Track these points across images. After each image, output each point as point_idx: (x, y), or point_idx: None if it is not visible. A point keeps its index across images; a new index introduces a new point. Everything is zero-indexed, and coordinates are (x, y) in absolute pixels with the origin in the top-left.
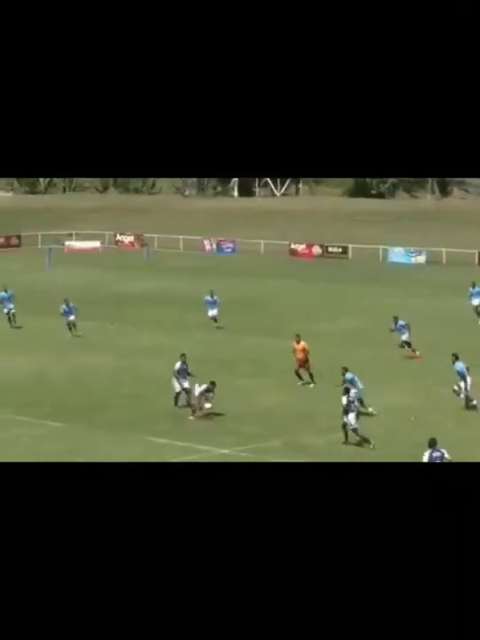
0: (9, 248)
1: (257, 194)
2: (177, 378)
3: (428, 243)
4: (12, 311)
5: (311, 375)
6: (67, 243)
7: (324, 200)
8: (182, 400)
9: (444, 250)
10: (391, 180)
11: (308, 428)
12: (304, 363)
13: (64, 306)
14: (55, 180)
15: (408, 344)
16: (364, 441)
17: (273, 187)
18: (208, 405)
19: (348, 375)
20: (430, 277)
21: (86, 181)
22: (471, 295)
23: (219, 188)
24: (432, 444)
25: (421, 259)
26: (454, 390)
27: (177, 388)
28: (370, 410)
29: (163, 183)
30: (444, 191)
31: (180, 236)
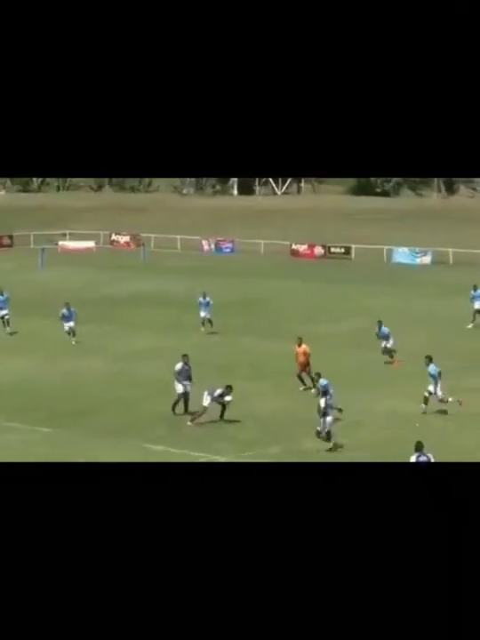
0: (1, 248)
1: (257, 192)
2: (178, 379)
3: (434, 242)
4: (7, 317)
5: (312, 379)
6: (60, 243)
7: (327, 199)
8: (180, 408)
9: (450, 250)
10: (396, 178)
11: (307, 433)
12: (305, 366)
13: (64, 310)
14: (49, 178)
15: (391, 352)
16: (336, 445)
17: (274, 185)
18: (228, 398)
19: (323, 381)
20: (436, 278)
21: (81, 180)
22: (472, 298)
23: (218, 187)
24: (419, 447)
25: (427, 259)
26: (425, 396)
27: (180, 389)
28: (339, 406)
29: (160, 181)
30: (451, 189)
31: (178, 236)
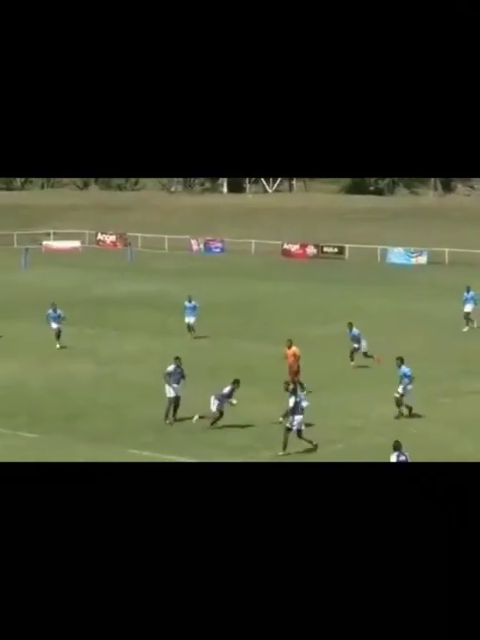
0: None
1: (248, 190)
2: (168, 382)
3: (430, 242)
4: None
5: (301, 385)
6: (44, 242)
7: (319, 197)
8: (170, 417)
9: (446, 249)
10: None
11: (299, 439)
12: (296, 373)
13: (51, 311)
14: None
15: (366, 354)
16: (309, 443)
17: (265, 183)
18: (234, 401)
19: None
20: (432, 279)
21: (66, 178)
22: (465, 300)
23: (207, 185)
24: (397, 447)
25: (422, 259)
26: (395, 397)
27: (171, 393)
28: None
29: (147, 179)
30: (447, 187)
31: (166, 236)
